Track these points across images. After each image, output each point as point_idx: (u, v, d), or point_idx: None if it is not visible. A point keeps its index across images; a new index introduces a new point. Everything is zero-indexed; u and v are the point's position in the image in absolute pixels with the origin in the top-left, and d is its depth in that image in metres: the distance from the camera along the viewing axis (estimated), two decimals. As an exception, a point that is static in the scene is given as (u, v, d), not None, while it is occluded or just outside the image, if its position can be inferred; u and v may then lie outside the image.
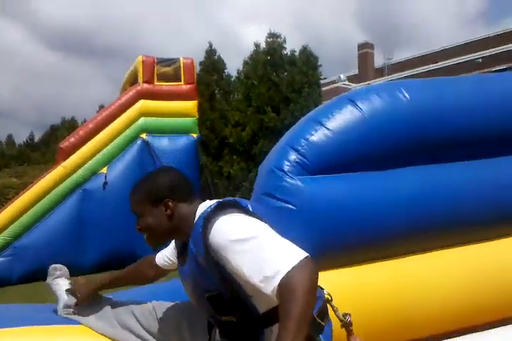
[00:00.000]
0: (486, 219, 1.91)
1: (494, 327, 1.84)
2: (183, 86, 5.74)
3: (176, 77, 5.96)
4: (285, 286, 0.96)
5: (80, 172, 4.87)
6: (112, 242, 4.60)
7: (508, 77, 2.35)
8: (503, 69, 16.41)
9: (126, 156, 5.14)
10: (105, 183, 4.80)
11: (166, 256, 1.49)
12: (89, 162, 4.92)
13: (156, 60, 5.75)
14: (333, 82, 21.04)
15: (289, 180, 1.63)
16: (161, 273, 1.54)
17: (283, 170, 1.64)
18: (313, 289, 0.98)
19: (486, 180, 1.94)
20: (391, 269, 1.78)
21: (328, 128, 1.73)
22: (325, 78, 17.90)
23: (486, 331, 1.81)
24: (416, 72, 19.08)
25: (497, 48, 19.08)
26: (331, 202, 1.66)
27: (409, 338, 1.78)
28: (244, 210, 1.16)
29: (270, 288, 0.99)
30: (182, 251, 1.27)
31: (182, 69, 5.84)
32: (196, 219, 1.18)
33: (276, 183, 1.63)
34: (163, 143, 5.40)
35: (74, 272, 2.92)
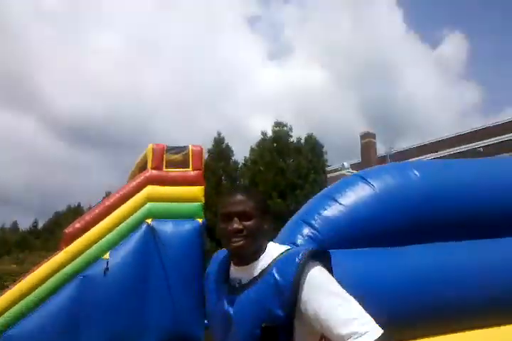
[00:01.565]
0: (487, 303, 1.78)
1: None
2: (190, 172, 5.83)
3: (184, 164, 6.08)
4: None
5: (82, 258, 4.72)
6: (108, 332, 4.30)
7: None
8: (504, 156, 16.77)
9: (130, 242, 5.01)
10: (106, 269, 4.62)
11: None
12: (93, 247, 4.80)
13: (166, 148, 5.93)
14: (337, 170, 21.49)
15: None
16: None
17: (296, 244, 1.63)
18: None
19: (496, 262, 1.86)
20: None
21: (341, 204, 1.75)
22: (330, 165, 18.32)
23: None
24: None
25: (498, 138, 19.78)
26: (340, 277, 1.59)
27: None
28: (329, 269, 1.25)
29: None
30: (232, 282, 1.28)
31: (190, 156, 5.99)
32: (281, 251, 1.24)
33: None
34: (167, 227, 5.31)
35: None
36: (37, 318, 4.28)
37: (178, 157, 6.59)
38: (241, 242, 1.22)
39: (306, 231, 1.67)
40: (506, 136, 19.53)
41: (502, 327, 1.81)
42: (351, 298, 1.17)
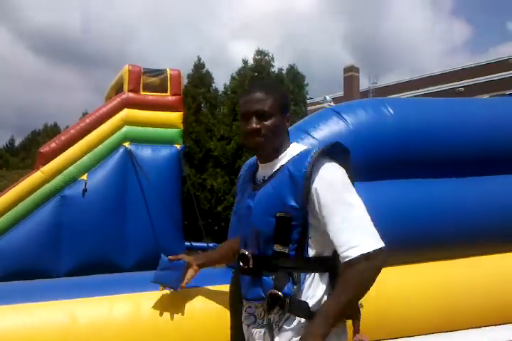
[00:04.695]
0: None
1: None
2: (168, 97, 5.71)
3: (162, 88, 5.92)
4: (359, 265, 1.08)
5: (59, 178, 4.76)
6: (88, 249, 4.50)
7: (491, 102, 2.45)
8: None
9: (108, 164, 5.04)
10: (85, 190, 4.69)
11: None
12: (69, 168, 4.81)
13: (142, 70, 5.72)
14: (319, 103, 21.35)
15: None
16: None
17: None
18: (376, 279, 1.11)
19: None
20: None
21: (313, 137, 1.77)
22: (311, 98, 18.13)
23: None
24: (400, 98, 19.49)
25: (478, 78, 19.72)
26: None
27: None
28: (347, 165, 1.23)
29: (346, 254, 1.10)
30: (255, 177, 1.32)
31: (169, 80, 5.81)
32: (301, 150, 1.24)
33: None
34: (145, 152, 5.33)
35: (48, 276, 2.86)
36: (18, 234, 4.41)
37: (155, 80, 6.36)
38: (259, 141, 1.23)
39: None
40: (487, 76, 19.49)
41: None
42: (358, 205, 1.15)
